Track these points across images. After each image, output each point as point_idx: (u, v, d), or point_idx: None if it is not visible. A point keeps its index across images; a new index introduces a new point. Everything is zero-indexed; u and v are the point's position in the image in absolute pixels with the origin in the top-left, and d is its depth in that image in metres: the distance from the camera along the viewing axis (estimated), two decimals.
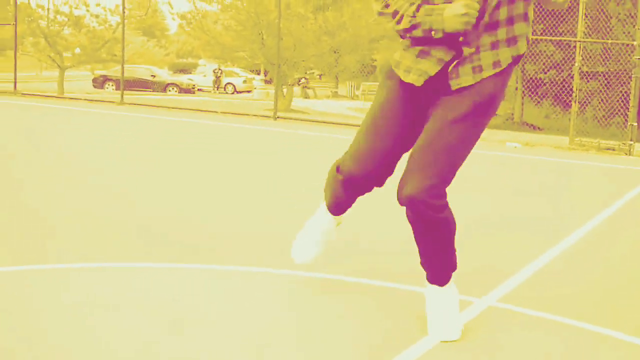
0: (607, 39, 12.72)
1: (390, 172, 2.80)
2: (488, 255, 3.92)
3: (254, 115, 14.45)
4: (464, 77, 2.58)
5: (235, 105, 18.41)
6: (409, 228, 2.64)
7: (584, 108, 14.95)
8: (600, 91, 13.84)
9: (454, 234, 2.68)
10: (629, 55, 11.54)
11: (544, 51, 17.31)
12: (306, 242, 3.12)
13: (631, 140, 10.67)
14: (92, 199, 4.92)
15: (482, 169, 7.82)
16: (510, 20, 2.56)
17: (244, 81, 37.52)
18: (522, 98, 22.91)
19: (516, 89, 22.70)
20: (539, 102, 22.41)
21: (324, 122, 13.90)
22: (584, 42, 11.51)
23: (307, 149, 9.44)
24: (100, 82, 30.95)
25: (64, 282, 3.04)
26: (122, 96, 16.06)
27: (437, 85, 2.62)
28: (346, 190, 2.90)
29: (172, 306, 2.79)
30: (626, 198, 6.21)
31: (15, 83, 17.13)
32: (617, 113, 12.35)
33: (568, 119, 12.21)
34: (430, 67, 2.61)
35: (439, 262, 2.73)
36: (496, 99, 2.64)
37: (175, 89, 32.60)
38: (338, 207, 3.05)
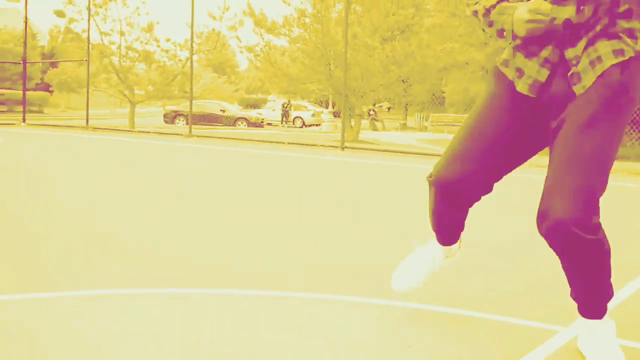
0: None
1: (488, 179, 2.47)
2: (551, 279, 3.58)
3: (321, 146, 14.32)
4: (585, 78, 2.23)
5: (303, 137, 18.36)
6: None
7: None
8: None
9: (610, 258, 2.27)
10: None
11: None
12: (408, 272, 2.83)
13: None
14: (147, 230, 4.77)
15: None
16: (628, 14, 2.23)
17: (313, 114, 37.62)
18: None
19: None
20: None
21: (392, 152, 13.66)
22: None
23: (375, 177, 9.19)
24: (171, 118, 31.46)
25: (83, 310, 2.85)
26: (190, 128, 16.17)
27: (558, 94, 2.28)
28: (440, 201, 2.57)
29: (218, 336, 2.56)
30: None
31: (87, 118, 17.45)
32: None
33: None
34: (536, 71, 2.30)
35: (595, 292, 2.34)
36: (629, 87, 2.23)
37: (244, 123, 32.91)
38: (442, 230, 2.74)
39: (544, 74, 2.29)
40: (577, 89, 2.23)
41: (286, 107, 36.40)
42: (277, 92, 45.62)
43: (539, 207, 2.20)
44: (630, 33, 2.24)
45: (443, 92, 29.24)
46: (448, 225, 2.74)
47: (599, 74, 2.22)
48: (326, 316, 2.84)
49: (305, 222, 5.25)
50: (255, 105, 50.29)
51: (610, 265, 2.29)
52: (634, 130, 14.72)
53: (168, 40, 21.17)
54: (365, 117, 30.89)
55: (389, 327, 2.71)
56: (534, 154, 2.50)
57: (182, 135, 16.00)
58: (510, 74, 2.38)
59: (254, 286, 3.22)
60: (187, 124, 17.94)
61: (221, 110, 33.37)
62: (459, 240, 2.86)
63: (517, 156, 2.46)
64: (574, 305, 2.42)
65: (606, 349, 2.32)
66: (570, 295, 2.41)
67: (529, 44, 2.32)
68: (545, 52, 2.29)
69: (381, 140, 20.50)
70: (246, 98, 58.79)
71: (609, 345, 2.33)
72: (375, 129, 31.40)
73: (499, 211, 5.57)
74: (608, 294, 2.36)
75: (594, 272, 2.28)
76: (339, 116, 17.42)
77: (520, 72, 2.34)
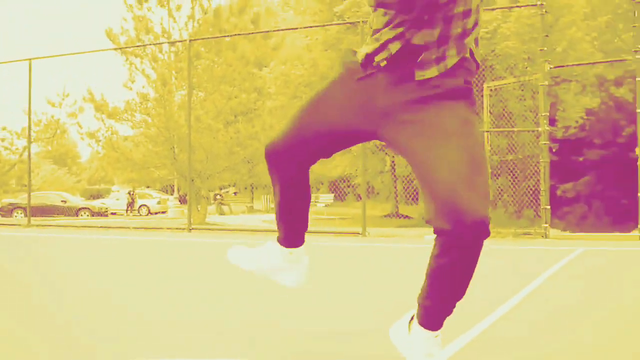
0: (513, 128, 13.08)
1: (317, 149, 2.55)
2: None
3: (168, 229, 14.10)
4: (428, 71, 2.29)
5: (149, 223, 18.01)
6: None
7: (495, 204, 15.22)
8: (510, 187, 14.14)
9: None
10: (535, 143, 11.85)
11: None
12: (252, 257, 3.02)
13: (545, 223, 10.80)
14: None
15: (400, 260, 7.71)
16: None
17: (158, 202, 37.15)
18: None
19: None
20: None
21: (238, 230, 13.66)
22: (492, 131, 11.78)
23: (223, 254, 9.12)
24: (8, 211, 30.01)
25: None
26: (29, 219, 15.50)
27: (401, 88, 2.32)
28: (275, 170, 2.62)
29: None
30: (550, 272, 6.15)
31: None
32: (527, 206, 12.58)
33: None
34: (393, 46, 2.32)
35: (448, 304, 2.37)
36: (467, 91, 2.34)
37: (87, 212, 31.95)
38: (285, 220, 2.77)
39: (395, 47, 2.30)
40: (418, 75, 2.29)
41: (132, 195, 35.73)
42: (120, 182, 44.75)
43: (446, 204, 2.13)
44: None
45: None
46: (290, 212, 2.75)
47: (442, 70, 2.29)
48: None
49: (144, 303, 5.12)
50: (98, 195, 49.05)
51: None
52: None
53: (4, 128, 20.39)
54: (212, 201, 30.80)
55: None
56: (363, 140, 2.58)
57: (20, 225, 15.30)
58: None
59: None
60: (25, 216, 17.18)
61: (62, 201, 32.31)
62: (303, 245, 2.88)
63: (346, 134, 2.52)
64: None
65: None
66: (422, 300, 2.41)
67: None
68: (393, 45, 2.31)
69: (228, 223, 20.46)
70: (89, 189, 57.26)
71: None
72: (222, 212, 31.33)
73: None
74: (452, 308, 2.40)
75: (463, 284, 2.31)
76: (185, 202, 17.26)
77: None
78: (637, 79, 11.12)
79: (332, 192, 30.29)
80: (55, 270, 6.99)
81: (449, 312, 2.40)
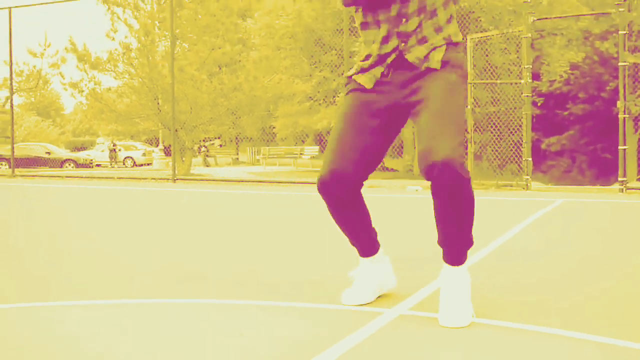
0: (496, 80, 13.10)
1: (360, 172, 2.81)
2: (399, 274, 3.78)
3: (152, 179, 14.11)
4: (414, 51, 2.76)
5: (134, 174, 18.00)
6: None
7: (479, 159, 15.31)
8: (494, 141, 14.21)
9: (474, 212, 2.71)
10: (518, 96, 11.90)
11: None
12: (359, 290, 3.05)
13: (527, 175, 10.90)
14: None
15: (387, 209, 7.78)
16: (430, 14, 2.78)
17: (143, 154, 36.99)
18: None
19: (414, 144, 23.18)
20: None
21: (222, 181, 13.69)
22: (475, 83, 11.79)
23: (207, 204, 9.19)
24: None
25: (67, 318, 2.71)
26: (13, 170, 15.47)
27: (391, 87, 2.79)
28: (330, 204, 2.90)
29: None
30: (529, 220, 6.25)
31: None
32: (511, 161, 12.66)
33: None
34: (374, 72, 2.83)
35: (458, 238, 2.75)
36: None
37: (72, 164, 31.82)
38: (355, 239, 3.04)
39: (378, 71, 2.81)
40: (409, 57, 2.77)
41: (111, 147, 35.50)
42: (105, 134, 44.46)
43: (419, 150, 2.56)
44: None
45: (274, 128, 29.66)
46: (355, 231, 3.01)
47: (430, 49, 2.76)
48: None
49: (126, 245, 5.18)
50: (83, 147, 48.76)
51: (473, 218, 2.72)
52: None
53: None
54: (197, 153, 30.75)
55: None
56: (387, 144, 2.90)
57: (5, 176, 15.26)
58: (361, 79, 2.87)
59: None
60: (9, 167, 17.12)
61: (46, 152, 32.10)
62: (379, 249, 3.12)
63: (379, 147, 2.85)
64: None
65: (457, 297, 2.71)
66: (438, 241, 2.80)
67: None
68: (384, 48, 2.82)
69: (213, 175, 20.47)
70: (73, 141, 56.92)
71: (461, 295, 2.73)
72: (207, 165, 31.30)
73: None
74: (470, 240, 2.78)
75: (461, 219, 2.69)
76: (170, 154, 17.23)
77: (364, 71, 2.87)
78: (620, 32, 11.14)
79: (318, 145, 30.27)
80: (38, 216, 7.03)
81: (462, 245, 2.78)
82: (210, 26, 17.83)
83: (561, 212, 7.55)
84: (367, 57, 2.86)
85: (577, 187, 11.61)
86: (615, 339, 2.43)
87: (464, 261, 2.81)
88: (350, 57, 12.74)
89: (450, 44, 2.78)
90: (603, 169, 26.35)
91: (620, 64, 11.06)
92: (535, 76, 26.04)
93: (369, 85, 2.81)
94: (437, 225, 2.76)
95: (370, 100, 2.81)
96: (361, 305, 2.96)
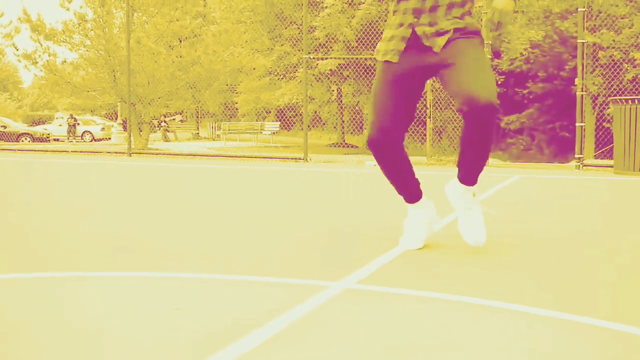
0: None
1: (402, 128, 3.43)
2: (350, 247, 3.71)
3: (107, 152, 13.87)
4: (437, 40, 3.35)
5: (89, 147, 17.70)
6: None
7: (440, 137, 15.32)
8: (453, 119, 14.20)
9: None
10: None
11: None
12: (413, 234, 3.62)
13: None
14: None
15: (343, 184, 7.72)
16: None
17: (102, 128, 36.47)
18: None
19: None
20: None
21: (179, 155, 13.51)
22: None
23: (160, 178, 9.02)
24: None
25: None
26: None
27: (420, 53, 3.39)
28: (379, 155, 3.46)
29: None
30: (486, 195, 6.23)
31: None
32: None
33: (426, 147, 12.44)
34: (397, 44, 3.43)
35: (480, 162, 3.38)
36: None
37: (28, 138, 31.26)
38: (401, 187, 3.59)
39: (402, 46, 3.41)
40: (436, 48, 3.33)
41: (70, 121, 34.90)
42: (64, 108, 43.70)
43: (465, 92, 3.13)
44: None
45: (235, 103, 29.41)
46: (402, 180, 3.57)
47: (450, 33, 3.33)
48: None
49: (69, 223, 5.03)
50: (40, 121, 47.91)
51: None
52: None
53: None
54: (157, 128, 30.37)
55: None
56: (416, 102, 3.50)
57: None
58: (379, 55, 3.53)
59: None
60: None
61: (2, 126, 31.48)
62: (423, 195, 3.65)
63: (407, 106, 3.45)
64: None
65: (472, 216, 3.50)
66: (459, 163, 3.44)
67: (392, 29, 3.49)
68: (402, 32, 3.42)
69: (172, 149, 20.25)
70: (31, 115, 55.91)
71: (476, 213, 3.51)
72: (167, 139, 30.95)
73: None
74: (481, 167, 3.42)
75: (487, 148, 3.31)
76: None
77: (386, 50, 3.49)
78: (579, 10, 11.16)
79: (279, 121, 30.09)
80: None
81: (479, 170, 3.42)
82: None
83: (517, 187, 7.56)
84: (391, 38, 3.46)
85: (535, 164, 11.67)
86: (552, 310, 2.39)
87: (476, 182, 3.48)
88: (310, 31, 12.58)
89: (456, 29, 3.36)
90: (561, 147, 26.65)
91: (579, 41, 11.09)
92: (496, 54, 26.14)
93: (395, 59, 3.41)
94: (464, 152, 3.36)
95: (399, 69, 3.41)
96: (412, 248, 3.53)
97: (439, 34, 3.32)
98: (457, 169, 3.50)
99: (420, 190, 3.64)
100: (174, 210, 5.33)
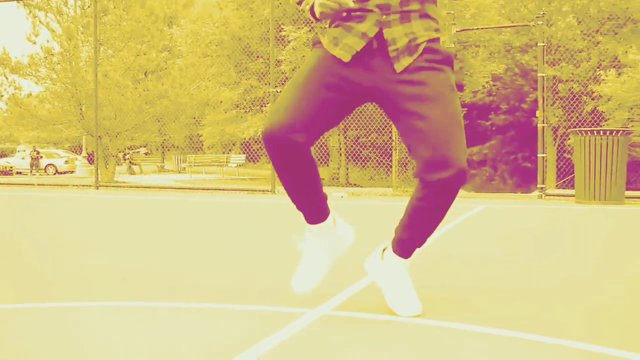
0: None
1: (311, 134, 2.60)
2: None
3: (74, 186, 13.82)
4: (403, 59, 2.61)
5: (56, 181, 17.57)
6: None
7: (405, 167, 15.50)
8: None
9: None
10: None
11: (364, 114, 17.90)
12: (307, 271, 2.96)
13: None
14: None
15: None
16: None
17: (66, 161, 36.17)
18: (347, 162, 23.55)
19: (339, 152, 23.32)
20: (363, 165, 23.12)
21: (145, 187, 13.50)
22: None
23: (130, 210, 9.04)
24: None
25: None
26: None
27: (374, 65, 2.63)
28: (276, 158, 2.63)
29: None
30: (450, 226, 6.35)
31: None
32: None
33: (392, 178, 12.63)
34: (353, 42, 2.63)
35: (423, 235, 2.78)
36: (450, 59, 2.67)
37: None
38: (300, 201, 2.84)
39: (359, 44, 2.61)
40: (398, 67, 2.60)
41: (33, 154, 34.58)
42: (27, 141, 43.22)
43: (433, 158, 2.49)
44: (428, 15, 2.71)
45: (200, 136, 29.40)
46: (303, 191, 2.80)
47: (419, 52, 2.62)
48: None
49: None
50: (2, 154, 47.34)
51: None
52: None
53: None
54: (122, 161, 30.23)
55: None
56: (348, 114, 2.75)
57: None
58: (325, 40, 2.71)
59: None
60: None
61: None
62: (330, 214, 2.95)
63: (334, 113, 2.67)
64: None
65: (405, 288, 2.84)
66: (400, 233, 2.80)
67: (349, 21, 2.67)
68: (363, 27, 2.62)
69: (139, 182, 20.19)
70: None
71: (408, 285, 2.86)
72: (132, 172, 30.79)
73: None
74: (424, 241, 2.83)
75: (437, 220, 2.71)
76: (93, 161, 16.90)
77: (337, 40, 2.67)
78: (538, 44, 11.48)
79: (244, 153, 30.16)
80: None
81: (421, 244, 2.83)
82: (135, 32, 17.58)
83: (481, 217, 7.71)
84: (350, 29, 2.67)
85: (498, 194, 11.89)
86: (524, 332, 2.50)
87: (411, 255, 2.87)
88: (276, 65, 12.75)
89: (431, 41, 2.67)
90: (524, 177, 27.03)
91: (539, 74, 11.39)
92: (459, 87, 26.55)
93: (346, 58, 2.63)
94: (407, 220, 2.75)
95: (345, 72, 2.64)
96: (312, 289, 2.93)
97: (410, 49, 2.60)
98: (393, 237, 2.88)
99: (327, 210, 2.92)
100: (148, 241, 5.37)
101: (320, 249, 2.95)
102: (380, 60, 2.62)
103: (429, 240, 3.13)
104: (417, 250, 2.87)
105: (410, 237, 2.79)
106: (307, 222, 2.92)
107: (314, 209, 2.86)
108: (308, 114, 2.58)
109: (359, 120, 17.90)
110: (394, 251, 2.86)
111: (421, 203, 2.64)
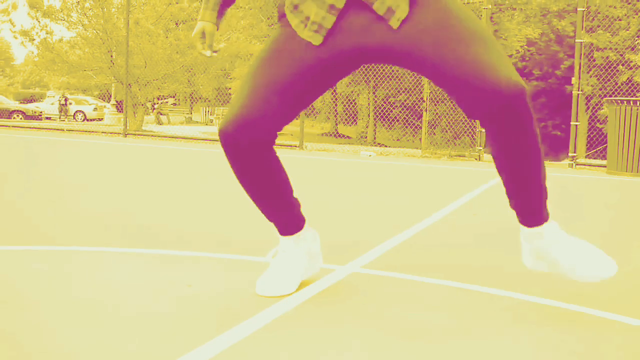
0: None
1: (277, 127, 2.16)
2: (353, 232, 3.76)
3: (103, 133, 13.87)
4: (398, 10, 2.04)
5: (84, 127, 17.67)
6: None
7: (434, 130, 15.38)
8: (448, 114, 14.26)
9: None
10: None
11: (395, 75, 17.71)
12: (271, 276, 2.41)
13: (480, 146, 10.98)
14: None
15: (340, 171, 7.76)
16: None
17: (95, 109, 36.38)
18: (375, 121, 23.43)
19: (368, 113, 23.19)
20: (390, 125, 22.98)
21: (173, 137, 13.52)
22: None
23: (156, 160, 9.05)
24: None
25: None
26: None
27: (357, 34, 2.09)
28: (235, 161, 2.21)
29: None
30: (479, 190, 6.28)
31: None
32: (464, 133, 12.74)
33: (419, 139, 12.53)
34: (321, 17, 2.10)
35: (529, 188, 2.17)
36: None
37: (20, 115, 31.14)
38: (268, 211, 2.39)
39: (330, 21, 2.10)
40: (394, 23, 2.04)
41: (62, 100, 34.77)
42: (56, 87, 43.45)
43: (477, 89, 1.94)
44: None
45: (229, 89, 29.36)
46: (271, 201, 2.37)
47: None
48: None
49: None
50: (32, 99, 47.71)
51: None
52: None
53: None
54: (150, 110, 30.31)
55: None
56: (316, 98, 2.26)
57: None
58: (294, 20, 2.16)
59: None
60: None
61: None
62: (305, 225, 2.51)
63: (300, 100, 2.19)
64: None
65: (597, 257, 2.26)
66: (510, 202, 2.26)
67: None
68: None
69: (166, 132, 20.26)
70: (23, 92, 55.63)
71: (597, 253, 2.28)
72: (160, 122, 30.90)
73: None
74: (540, 191, 2.20)
75: (534, 144, 2.08)
76: (122, 109, 16.94)
77: (306, 19, 2.13)
78: (578, 9, 11.22)
79: None
80: None
81: (537, 198, 2.21)
82: None
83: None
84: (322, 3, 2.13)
85: None
86: (524, 294, 2.44)
87: (547, 216, 2.27)
88: None
89: None
90: (553, 145, 26.72)
91: (577, 41, 11.15)
92: None
93: (317, 41, 2.12)
94: (508, 180, 2.19)
95: (315, 56, 2.14)
96: (281, 296, 2.33)
97: None
98: (517, 218, 2.31)
99: (302, 218, 2.48)
100: (174, 191, 5.37)
101: (293, 260, 2.47)
102: (365, 20, 2.09)
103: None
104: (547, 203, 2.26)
105: (519, 192, 2.19)
106: (281, 234, 2.49)
107: (288, 216, 2.43)
108: (276, 106, 2.13)
109: (389, 80, 17.71)
110: (531, 226, 2.27)
111: (497, 145, 2.10)
